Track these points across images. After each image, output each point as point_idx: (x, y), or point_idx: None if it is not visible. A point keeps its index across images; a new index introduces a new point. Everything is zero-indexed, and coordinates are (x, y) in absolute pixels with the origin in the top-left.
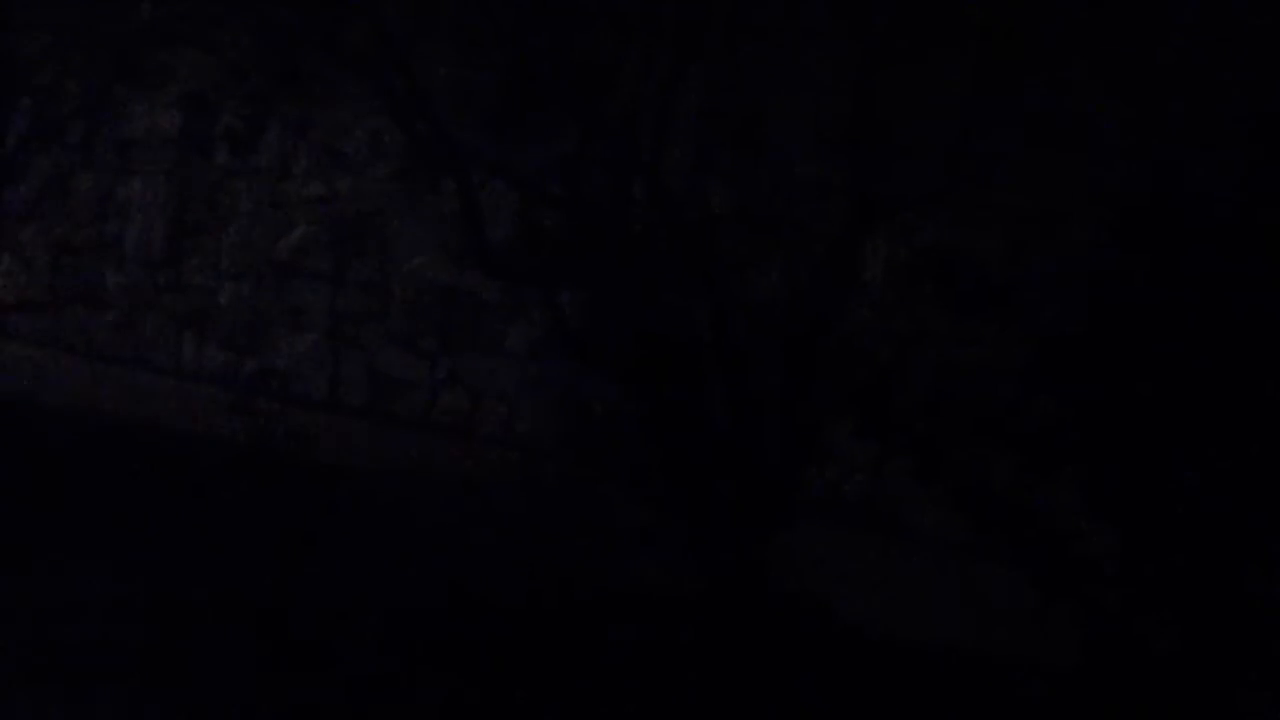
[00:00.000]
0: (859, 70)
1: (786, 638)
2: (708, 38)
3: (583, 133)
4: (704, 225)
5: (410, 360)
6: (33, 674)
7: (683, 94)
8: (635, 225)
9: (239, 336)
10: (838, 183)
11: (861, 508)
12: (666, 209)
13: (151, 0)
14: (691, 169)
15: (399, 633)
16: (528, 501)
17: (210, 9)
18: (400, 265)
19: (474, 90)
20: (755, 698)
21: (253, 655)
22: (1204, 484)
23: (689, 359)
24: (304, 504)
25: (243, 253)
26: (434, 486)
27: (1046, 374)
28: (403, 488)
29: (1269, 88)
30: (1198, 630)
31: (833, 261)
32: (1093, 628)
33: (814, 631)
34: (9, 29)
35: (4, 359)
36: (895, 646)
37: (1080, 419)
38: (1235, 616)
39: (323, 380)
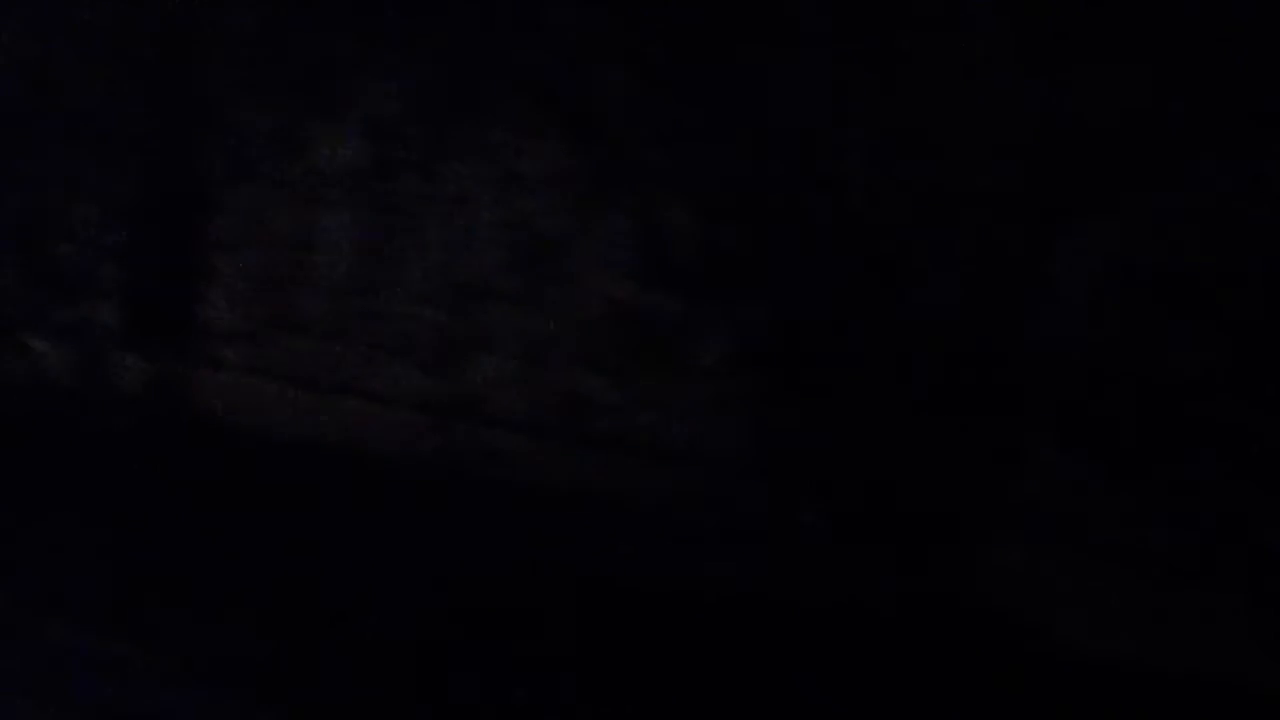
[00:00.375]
0: (1036, 63)
1: (986, 654)
2: (871, 40)
3: (755, 144)
4: (879, 233)
5: (599, 380)
6: None
7: (854, 103)
8: (814, 234)
9: (432, 361)
10: (1021, 188)
11: (1065, 524)
12: (842, 218)
13: (335, 33)
14: (867, 185)
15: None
16: (718, 518)
17: (393, 39)
18: (587, 285)
19: (651, 111)
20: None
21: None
22: None
23: (876, 369)
24: (499, 530)
25: (433, 278)
26: (626, 504)
27: (1260, 379)
28: (592, 509)
29: None
30: None
31: (1024, 265)
32: None
33: (1017, 649)
34: (206, 64)
35: (212, 388)
36: (1106, 668)
37: None
38: None
39: (513, 402)
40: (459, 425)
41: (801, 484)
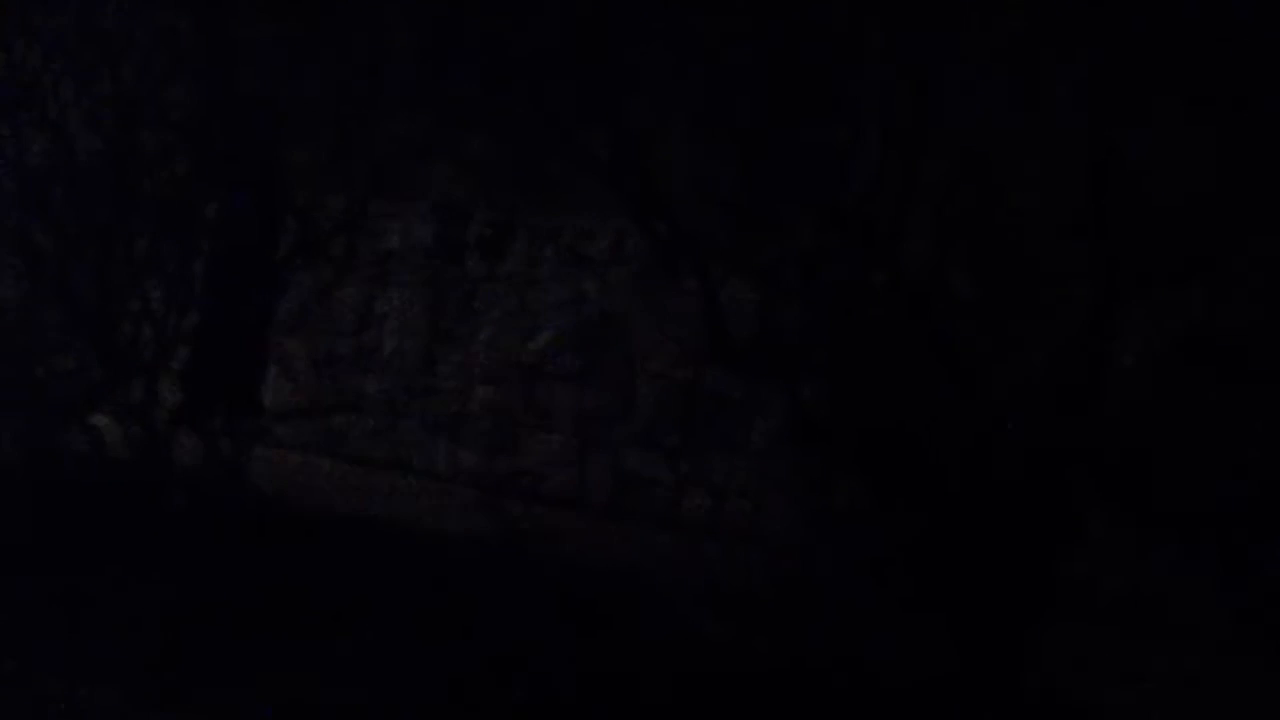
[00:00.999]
0: (1097, 143)
1: None
2: (937, 125)
3: (819, 224)
4: (944, 314)
5: (654, 458)
6: None
7: (918, 184)
8: (875, 315)
9: (489, 438)
10: (1080, 264)
11: (1121, 602)
12: (906, 299)
13: (404, 115)
14: (929, 261)
15: None
16: (775, 594)
17: (459, 120)
18: (643, 364)
19: (712, 188)
20: None
21: None
22: None
23: (934, 449)
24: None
25: (492, 356)
26: (679, 585)
27: None
28: (645, 586)
29: None
30: None
31: (1083, 341)
32: None
33: None
34: (277, 146)
35: (271, 465)
36: None
37: None
38: None
39: (569, 479)
40: (511, 502)
41: (855, 558)
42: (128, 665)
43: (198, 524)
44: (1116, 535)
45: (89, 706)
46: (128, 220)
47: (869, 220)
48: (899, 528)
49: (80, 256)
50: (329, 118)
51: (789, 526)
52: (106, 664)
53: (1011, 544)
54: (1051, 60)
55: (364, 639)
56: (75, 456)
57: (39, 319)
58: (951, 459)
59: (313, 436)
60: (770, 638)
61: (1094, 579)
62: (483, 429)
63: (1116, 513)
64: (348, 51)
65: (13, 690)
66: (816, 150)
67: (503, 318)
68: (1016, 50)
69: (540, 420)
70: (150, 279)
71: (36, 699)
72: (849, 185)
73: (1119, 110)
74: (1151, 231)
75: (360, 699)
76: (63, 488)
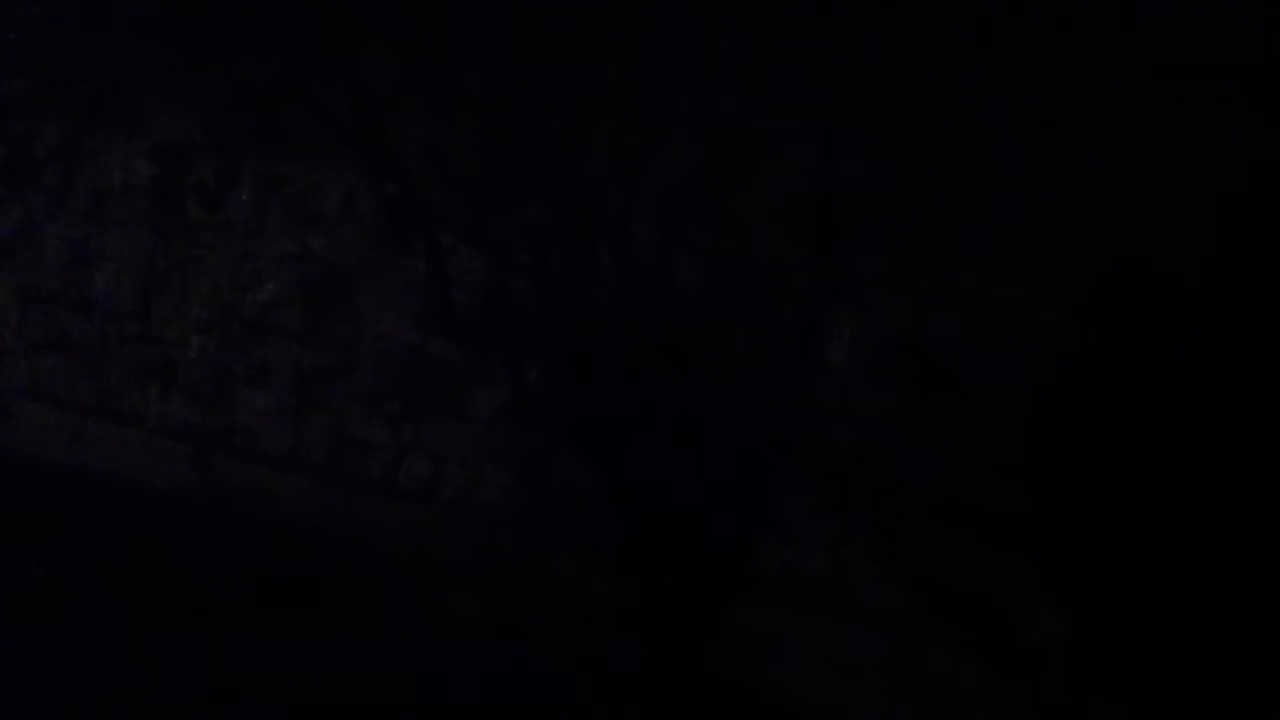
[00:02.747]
0: (821, 151)
1: (724, 715)
2: (674, 115)
3: (552, 203)
4: (668, 297)
5: (375, 422)
6: None
7: (649, 171)
8: (600, 295)
9: (204, 390)
10: (801, 261)
11: (818, 588)
12: (632, 281)
13: (133, 49)
14: (657, 245)
15: None
16: (484, 570)
17: (186, 61)
18: (369, 326)
19: (448, 158)
20: None
21: None
22: (1153, 566)
23: (649, 431)
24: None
25: (211, 307)
26: (390, 553)
27: (1001, 458)
28: (361, 554)
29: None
30: (1141, 713)
31: (794, 340)
32: (1042, 712)
33: (755, 710)
34: None
35: None
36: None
37: (1034, 503)
38: (1178, 699)
39: (285, 438)
40: (223, 459)
41: (567, 536)
42: None
43: None
44: (821, 526)
45: None
46: None
47: (599, 202)
48: (611, 511)
49: None
50: (48, 43)
51: (505, 497)
52: None
53: (714, 534)
54: (786, 65)
55: None
56: None
57: None
58: (663, 447)
59: (17, 378)
60: (475, 603)
61: (795, 566)
62: (197, 380)
63: (820, 503)
64: None
65: None
66: (554, 133)
67: (223, 267)
68: (757, 54)
69: (259, 375)
70: None
71: None
72: (584, 169)
73: (843, 121)
74: (864, 237)
75: None
76: None
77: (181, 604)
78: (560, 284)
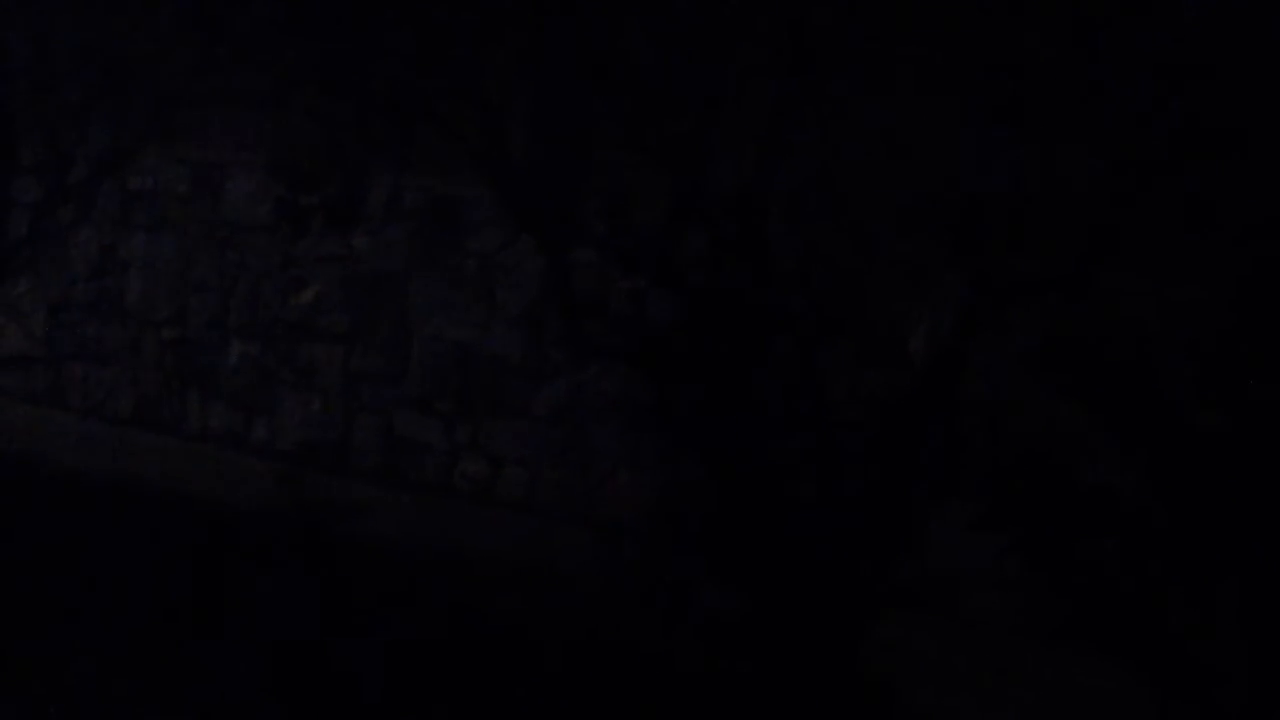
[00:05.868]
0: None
1: None
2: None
3: (678, 204)
4: (804, 308)
5: (428, 422)
6: None
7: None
8: (728, 296)
9: (246, 396)
10: (940, 263)
11: (963, 600)
12: (760, 282)
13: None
14: (789, 240)
15: None
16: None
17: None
18: (419, 326)
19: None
20: None
21: None
22: None
23: (783, 443)
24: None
25: (252, 310)
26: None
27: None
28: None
29: None
30: None
31: (938, 346)
32: None
33: None
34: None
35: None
36: None
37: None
38: None
39: (332, 443)
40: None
41: (694, 548)
42: None
43: None
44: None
45: None
46: None
47: (740, 207)
48: (746, 525)
49: None
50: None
51: (568, 496)
52: None
53: (855, 551)
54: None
55: None
56: None
57: None
58: (804, 467)
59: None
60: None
61: (938, 576)
62: (239, 386)
63: (979, 518)
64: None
65: None
66: (674, 139)
67: (265, 271)
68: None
69: (304, 379)
70: None
71: None
72: (704, 173)
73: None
74: (1021, 238)
75: None
76: None
77: None
78: (701, 294)
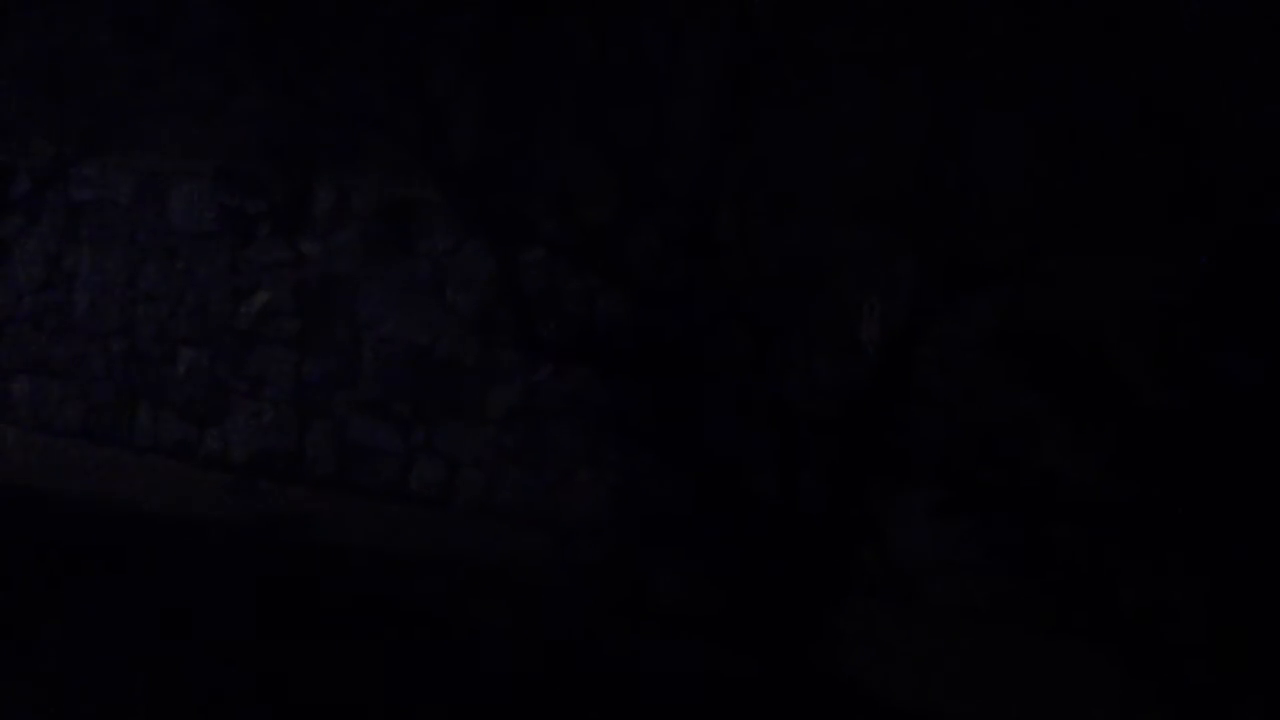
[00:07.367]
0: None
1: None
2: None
3: (625, 200)
4: (756, 302)
5: (383, 427)
6: None
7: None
8: (680, 291)
9: (197, 407)
10: (893, 251)
11: (924, 587)
12: (711, 278)
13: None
14: (740, 233)
15: None
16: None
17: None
18: (371, 329)
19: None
20: None
21: None
22: None
23: (740, 438)
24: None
25: (201, 319)
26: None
27: (1131, 452)
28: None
29: None
30: None
31: (889, 335)
32: (1181, 708)
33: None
34: None
35: None
36: None
37: (1178, 492)
38: None
39: (286, 451)
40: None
41: (655, 541)
42: None
43: None
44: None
45: None
46: None
47: (689, 202)
48: (706, 522)
49: None
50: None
51: (526, 499)
52: None
53: (815, 543)
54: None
55: None
56: None
57: None
58: (762, 461)
59: None
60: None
61: (883, 558)
62: (189, 396)
63: (942, 503)
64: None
65: None
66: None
67: (213, 279)
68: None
69: (254, 388)
70: None
71: None
72: (653, 168)
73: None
74: (982, 223)
75: None
76: None
77: None
78: (657, 295)
